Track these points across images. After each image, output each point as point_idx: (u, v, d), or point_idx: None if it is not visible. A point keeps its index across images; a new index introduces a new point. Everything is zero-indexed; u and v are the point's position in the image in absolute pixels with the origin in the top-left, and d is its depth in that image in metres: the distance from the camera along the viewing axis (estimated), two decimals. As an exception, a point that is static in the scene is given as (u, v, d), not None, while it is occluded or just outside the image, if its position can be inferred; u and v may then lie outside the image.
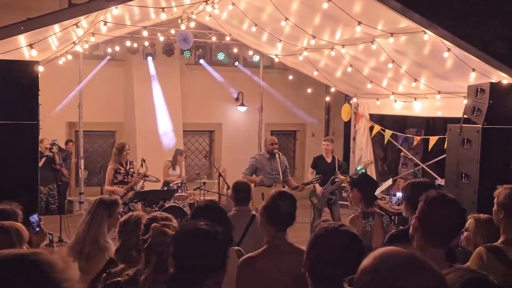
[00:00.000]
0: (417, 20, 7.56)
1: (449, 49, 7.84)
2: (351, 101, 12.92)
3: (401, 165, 14.61)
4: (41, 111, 6.17)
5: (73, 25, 6.16)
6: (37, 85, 5.71)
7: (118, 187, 7.89)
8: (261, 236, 4.34)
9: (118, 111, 13.01)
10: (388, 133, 11.62)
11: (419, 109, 10.80)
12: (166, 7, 7.43)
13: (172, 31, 10.84)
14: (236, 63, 13.05)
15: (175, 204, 9.39)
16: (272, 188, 8.01)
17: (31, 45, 6.02)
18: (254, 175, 8.26)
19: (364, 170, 12.36)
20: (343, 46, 9.13)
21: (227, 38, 11.28)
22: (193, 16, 10.13)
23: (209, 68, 13.04)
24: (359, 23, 7.58)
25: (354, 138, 13.23)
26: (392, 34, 7.84)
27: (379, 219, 4.43)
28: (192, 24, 10.50)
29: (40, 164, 10.63)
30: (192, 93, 13.63)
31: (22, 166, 5.73)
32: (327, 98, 13.54)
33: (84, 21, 7.42)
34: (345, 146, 15.26)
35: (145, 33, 10.69)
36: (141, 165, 8.57)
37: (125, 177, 7.99)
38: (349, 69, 10.24)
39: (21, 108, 5.68)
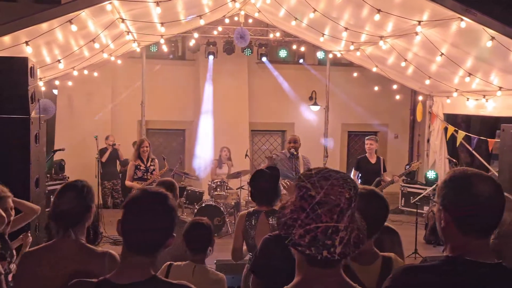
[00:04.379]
0: (451, 6, 6.70)
1: (493, 38, 6.84)
2: (419, 99, 11.88)
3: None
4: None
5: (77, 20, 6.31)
6: (27, 81, 5.90)
7: (138, 183, 7.96)
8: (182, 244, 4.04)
9: (187, 109, 13.24)
10: (460, 135, 10.50)
11: (491, 108, 9.62)
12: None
13: (220, 28, 10.76)
14: (301, 61, 12.62)
15: (211, 203, 9.38)
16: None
17: (26, 42, 6.30)
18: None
19: (435, 175, 11.33)
20: (381, 38, 8.39)
21: (277, 34, 10.93)
22: (242, 13, 9.99)
23: (270, 66, 12.77)
24: (379, 11, 6.89)
25: (428, 140, 12.13)
26: (419, 22, 7.01)
27: (265, 219, 4.13)
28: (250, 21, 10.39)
29: (104, 159, 11.34)
30: (262, 92, 13.45)
31: (14, 160, 5.97)
32: (397, 97, 12.55)
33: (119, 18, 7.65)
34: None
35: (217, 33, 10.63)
36: (178, 164, 8.59)
37: (145, 173, 8.02)
38: (403, 64, 9.43)
39: (13, 103, 5.92)
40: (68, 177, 10.67)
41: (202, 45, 12.00)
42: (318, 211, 1.58)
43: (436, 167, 11.57)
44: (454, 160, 9.96)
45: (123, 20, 7.59)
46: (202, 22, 8.77)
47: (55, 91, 11.87)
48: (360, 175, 8.83)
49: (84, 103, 12.28)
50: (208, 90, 12.86)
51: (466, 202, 1.82)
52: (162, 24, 8.25)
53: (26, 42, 6.35)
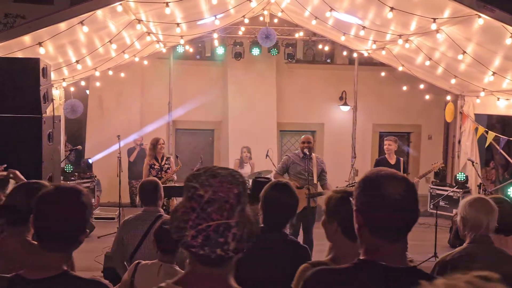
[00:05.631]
0: (467, 3, 6.47)
1: (513, 35, 6.58)
2: (448, 99, 11.53)
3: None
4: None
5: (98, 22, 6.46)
6: (39, 81, 6.07)
7: (152, 182, 8.03)
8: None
9: (216, 110, 13.32)
10: (490, 136, 10.13)
11: (521, 108, 9.26)
12: None
13: (243, 28, 10.78)
14: (329, 60, 12.51)
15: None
16: (302, 190, 7.50)
17: (40, 43, 6.48)
18: (286, 175, 7.81)
19: (464, 177, 10.97)
20: (400, 36, 8.19)
21: (301, 34, 10.86)
22: (265, 12, 9.97)
23: (298, 66, 12.69)
24: (392, 8, 6.72)
25: (459, 141, 11.75)
26: (434, 20, 6.80)
27: None
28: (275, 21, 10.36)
29: (132, 159, 11.53)
30: (291, 92, 13.37)
31: (27, 158, 6.13)
32: (427, 97, 12.20)
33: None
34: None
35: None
36: (199, 163, 8.64)
37: (159, 172, 8.10)
38: (427, 63, 9.19)
39: (26, 103, 6.10)
40: (96, 176, 10.91)
41: (229, 46, 12.05)
42: (208, 210, 1.56)
43: (467, 168, 11.19)
44: (474, 161, 9.59)
45: (139, 21, 7.70)
46: (217, 22, 8.78)
47: (87, 91, 12.18)
48: None
49: (115, 104, 12.55)
50: (235, 90, 12.90)
51: (375, 204, 1.75)
52: (178, 24, 8.31)
53: (40, 43, 6.52)
